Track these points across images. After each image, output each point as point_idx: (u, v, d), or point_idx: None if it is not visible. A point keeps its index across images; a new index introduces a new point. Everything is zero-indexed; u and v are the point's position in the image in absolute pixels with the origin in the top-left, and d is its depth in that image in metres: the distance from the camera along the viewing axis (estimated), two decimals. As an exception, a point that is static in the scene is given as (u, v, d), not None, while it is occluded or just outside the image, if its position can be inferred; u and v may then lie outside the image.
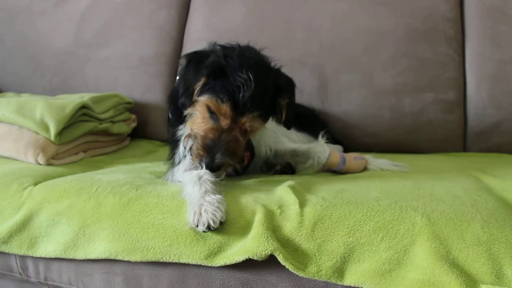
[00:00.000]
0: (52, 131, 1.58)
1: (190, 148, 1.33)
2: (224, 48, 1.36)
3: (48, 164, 1.57)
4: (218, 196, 1.17)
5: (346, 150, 1.83)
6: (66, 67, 2.36)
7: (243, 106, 1.26)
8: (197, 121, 1.33)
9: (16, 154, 1.60)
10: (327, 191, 1.21)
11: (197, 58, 1.35)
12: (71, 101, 1.71)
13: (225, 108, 1.26)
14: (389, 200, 1.13)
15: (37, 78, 2.40)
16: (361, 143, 2.00)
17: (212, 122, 1.30)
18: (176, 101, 1.38)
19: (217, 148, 1.26)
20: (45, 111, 1.62)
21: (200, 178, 1.24)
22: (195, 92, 1.30)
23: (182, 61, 1.39)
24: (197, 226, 1.09)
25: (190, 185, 1.23)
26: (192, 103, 1.32)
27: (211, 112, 1.29)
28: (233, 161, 1.31)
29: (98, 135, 1.83)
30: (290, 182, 1.25)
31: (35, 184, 1.35)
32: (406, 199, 1.13)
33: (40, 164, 1.56)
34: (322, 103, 2.03)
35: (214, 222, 1.08)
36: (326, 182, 1.34)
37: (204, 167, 1.27)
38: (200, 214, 1.10)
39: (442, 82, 1.97)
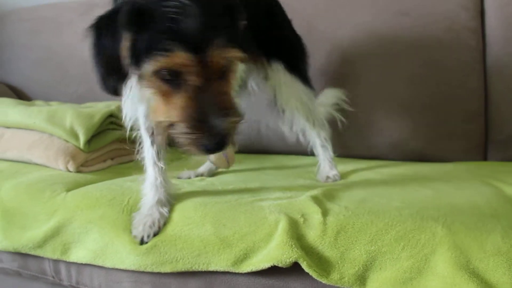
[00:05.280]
0: (82, 139, 1.65)
1: (173, 144, 1.00)
2: None
3: (78, 171, 1.63)
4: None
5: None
6: (91, 75, 2.40)
7: (200, 38, 0.89)
8: (158, 104, 0.96)
9: (47, 161, 1.66)
10: (349, 200, 1.24)
11: (105, 20, 0.96)
12: (99, 110, 1.77)
13: (182, 56, 0.88)
14: (410, 209, 1.15)
15: (64, 86, 2.47)
16: (382, 152, 2.01)
17: (179, 92, 0.93)
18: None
19: (210, 117, 0.92)
20: (75, 120, 1.69)
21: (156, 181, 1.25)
22: (127, 66, 0.94)
23: (90, 35, 0.98)
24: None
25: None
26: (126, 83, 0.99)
27: (169, 79, 0.92)
28: (238, 118, 0.97)
29: (125, 142, 1.88)
30: (312, 191, 1.29)
31: (67, 191, 1.40)
32: (427, 209, 1.15)
33: (70, 171, 1.62)
34: (343, 113, 2.05)
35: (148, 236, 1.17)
36: (348, 190, 1.36)
37: (211, 151, 0.96)
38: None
39: (464, 92, 1.97)
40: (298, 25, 2.20)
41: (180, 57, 0.88)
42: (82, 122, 1.67)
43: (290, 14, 2.21)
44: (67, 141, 1.67)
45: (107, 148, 1.77)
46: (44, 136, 1.70)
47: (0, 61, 2.68)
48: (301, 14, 2.19)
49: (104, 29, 0.96)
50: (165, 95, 0.94)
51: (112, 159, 1.81)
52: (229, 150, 1.37)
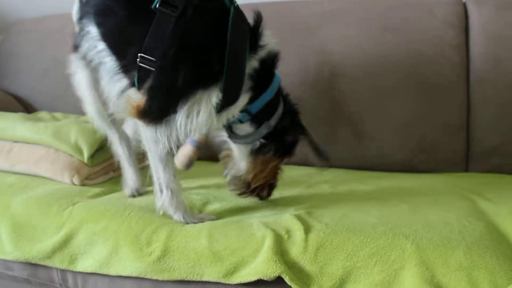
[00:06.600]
0: (85, 154, 1.75)
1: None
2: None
3: (82, 184, 1.73)
4: None
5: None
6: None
7: None
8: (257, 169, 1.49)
9: (53, 175, 1.77)
10: (331, 216, 1.36)
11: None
12: (102, 125, 1.88)
13: None
14: (384, 226, 1.26)
15: (68, 97, 2.55)
16: (371, 163, 2.12)
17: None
18: None
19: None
20: (79, 135, 1.80)
21: None
22: None
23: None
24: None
25: None
26: None
27: None
28: None
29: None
30: (297, 208, 1.42)
31: (73, 205, 1.51)
32: (400, 226, 1.27)
33: (75, 185, 1.73)
34: (332, 126, 2.15)
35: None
36: (331, 205, 1.49)
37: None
38: None
39: (447, 106, 2.06)
40: (288, 40, 2.29)
41: None
42: (86, 138, 1.78)
43: (280, 29, 2.30)
44: (72, 156, 1.77)
45: (109, 161, 1.86)
46: (50, 151, 1.81)
47: (6, 72, 2.76)
48: (290, 29, 2.30)
49: None
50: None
51: (114, 171, 1.91)
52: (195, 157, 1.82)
